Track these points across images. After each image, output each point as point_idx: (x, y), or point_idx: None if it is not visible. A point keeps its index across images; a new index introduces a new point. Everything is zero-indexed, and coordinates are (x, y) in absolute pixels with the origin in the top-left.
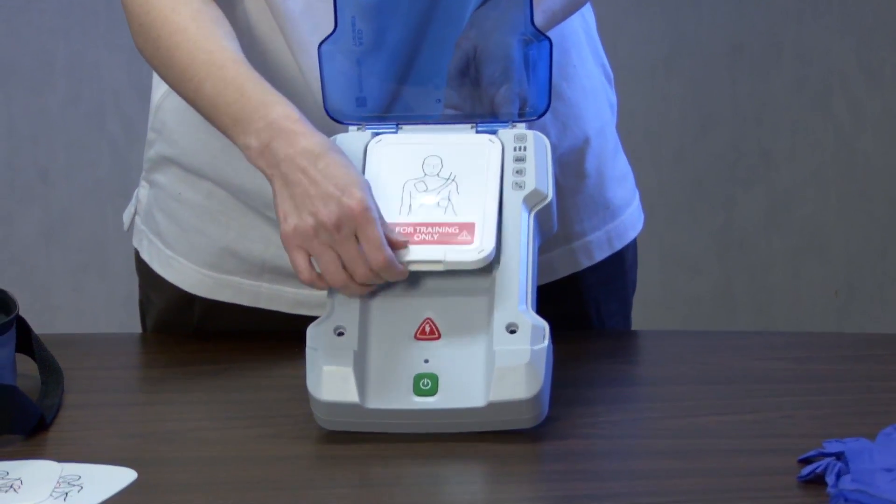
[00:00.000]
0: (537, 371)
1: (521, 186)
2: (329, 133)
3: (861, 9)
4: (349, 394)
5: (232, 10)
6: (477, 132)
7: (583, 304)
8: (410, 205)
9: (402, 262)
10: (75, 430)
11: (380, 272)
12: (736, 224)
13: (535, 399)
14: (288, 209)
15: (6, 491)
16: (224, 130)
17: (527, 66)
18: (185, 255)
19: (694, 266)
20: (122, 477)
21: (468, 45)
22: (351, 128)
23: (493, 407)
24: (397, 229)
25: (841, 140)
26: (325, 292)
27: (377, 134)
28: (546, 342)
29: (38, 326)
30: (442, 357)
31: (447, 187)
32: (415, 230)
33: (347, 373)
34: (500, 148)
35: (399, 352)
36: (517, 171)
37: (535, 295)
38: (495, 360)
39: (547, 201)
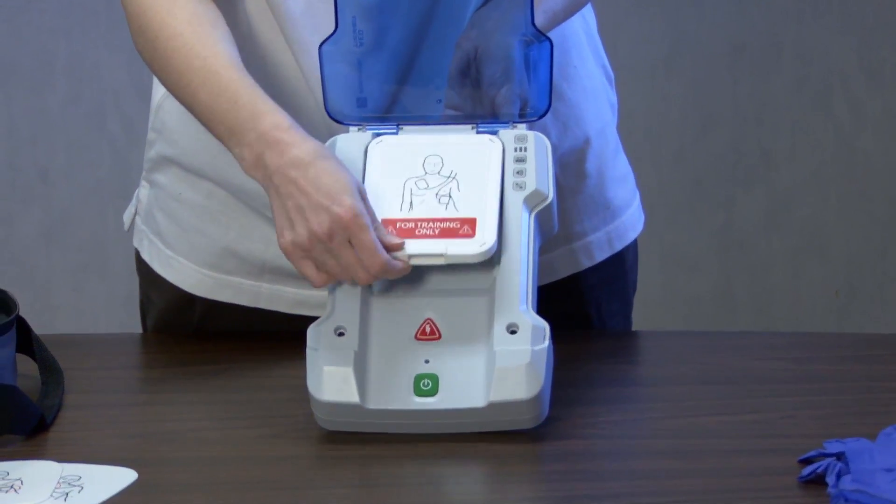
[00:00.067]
0: (538, 371)
1: (521, 187)
2: (330, 134)
3: (861, 9)
4: (349, 394)
5: (232, 11)
6: (477, 133)
7: (583, 305)
8: (412, 202)
9: (403, 257)
10: (76, 431)
11: (378, 275)
12: (736, 224)
13: (536, 399)
14: (283, 223)
15: (6, 491)
16: (220, 139)
17: (527, 67)
18: (185, 255)
19: (694, 266)
20: (123, 477)
21: (469, 45)
22: (351, 128)
23: (493, 407)
24: (399, 225)
25: (841, 140)
26: (325, 292)
27: (378, 134)
28: (546, 342)
29: (38, 326)
30: (442, 357)
31: (448, 185)
32: (416, 225)
33: (348, 373)
34: (501, 147)
35: (399, 352)
36: (518, 172)
37: (535, 295)
38: (496, 361)
39: (547, 202)
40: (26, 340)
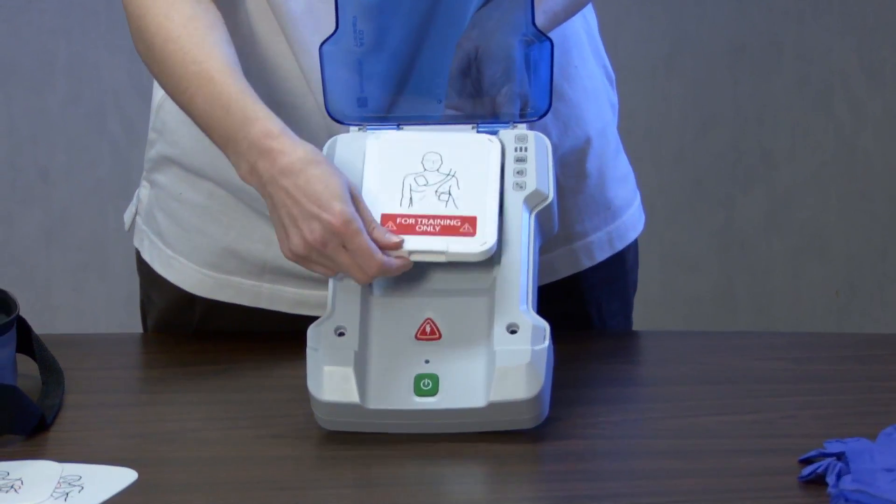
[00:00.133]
0: (538, 371)
1: (522, 187)
2: (330, 134)
3: (862, 9)
4: (350, 394)
5: (233, 12)
6: (478, 133)
7: (584, 305)
8: (411, 198)
9: (403, 254)
10: (76, 431)
11: (376, 276)
12: (736, 224)
13: (536, 399)
14: (280, 233)
15: (7, 491)
16: (218, 146)
17: (528, 67)
18: (185, 256)
19: (694, 266)
20: (123, 477)
21: (469, 45)
22: (352, 128)
23: (493, 407)
24: (399, 220)
25: (841, 140)
26: (325, 292)
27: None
28: (547, 342)
29: (38, 326)
30: (442, 357)
31: (448, 182)
32: (416, 221)
33: (348, 373)
34: (500, 147)
35: (400, 352)
36: (518, 172)
37: (535, 295)
38: (496, 361)
39: (548, 202)
40: (26, 340)
